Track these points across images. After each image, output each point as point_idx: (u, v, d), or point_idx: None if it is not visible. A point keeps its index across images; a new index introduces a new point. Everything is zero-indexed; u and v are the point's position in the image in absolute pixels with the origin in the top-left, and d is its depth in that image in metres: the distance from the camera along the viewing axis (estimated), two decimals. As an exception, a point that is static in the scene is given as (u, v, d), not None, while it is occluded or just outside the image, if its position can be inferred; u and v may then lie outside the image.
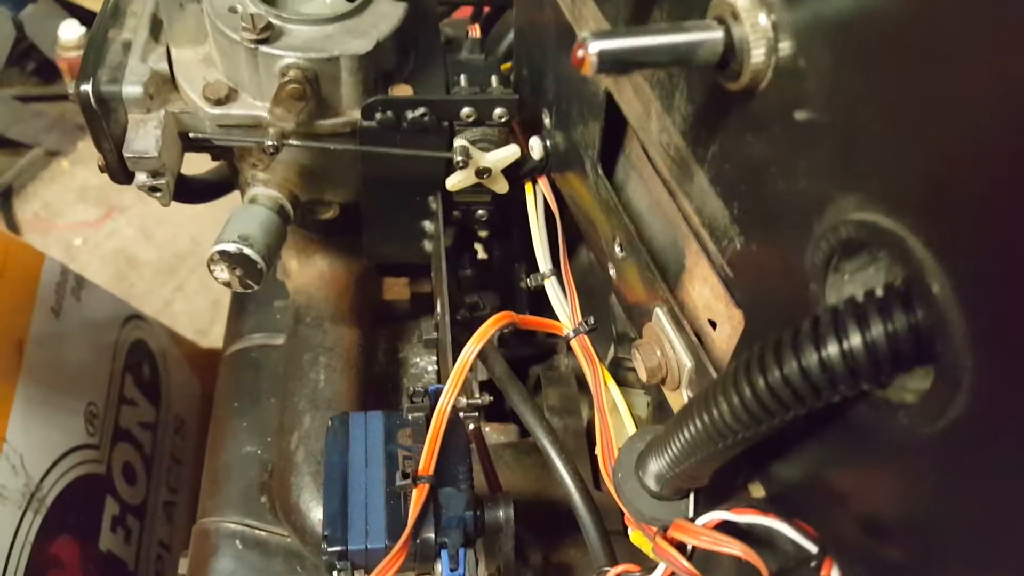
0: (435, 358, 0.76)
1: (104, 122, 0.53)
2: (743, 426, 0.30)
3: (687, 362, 0.44)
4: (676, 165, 0.39)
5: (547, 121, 0.58)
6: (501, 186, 0.60)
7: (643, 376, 0.47)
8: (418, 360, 0.76)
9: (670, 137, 0.39)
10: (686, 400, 0.46)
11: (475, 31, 0.60)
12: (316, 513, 0.59)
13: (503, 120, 0.57)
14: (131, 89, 0.52)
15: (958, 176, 0.23)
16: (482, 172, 0.58)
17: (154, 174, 0.54)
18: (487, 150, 0.58)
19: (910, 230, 0.25)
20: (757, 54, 0.29)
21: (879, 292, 0.26)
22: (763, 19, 0.29)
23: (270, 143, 0.51)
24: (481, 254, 0.80)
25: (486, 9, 0.75)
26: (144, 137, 0.52)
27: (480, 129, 0.58)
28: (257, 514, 0.65)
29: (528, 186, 0.61)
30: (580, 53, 0.28)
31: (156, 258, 2.26)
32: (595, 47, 0.27)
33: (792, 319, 0.29)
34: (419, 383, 0.75)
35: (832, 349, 0.26)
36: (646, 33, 0.28)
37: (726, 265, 0.37)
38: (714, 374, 0.42)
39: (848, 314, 0.26)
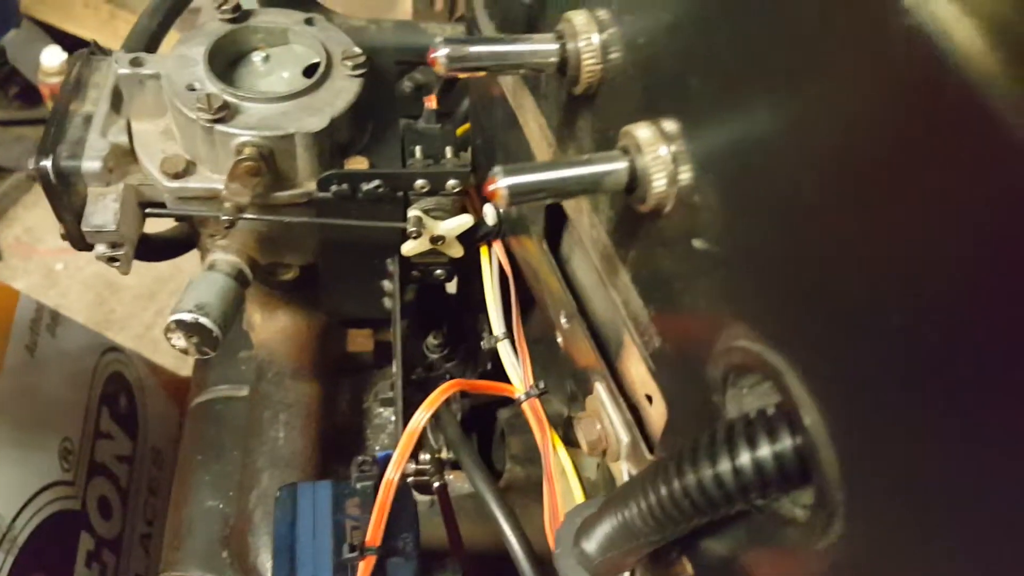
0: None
1: (64, 195, 0.54)
2: (651, 530, 0.32)
3: (624, 438, 0.46)
4: (604, 259, 0.41)
5: (499, 190, 0.60)
6: (455, 251, 0.62)
7: (584, 449, 0.49)
8: (382, 411, 0.77)
9: (599, 234, 0.41)
10: (625, 472, 0.48)
11: (431, 102, 0.62)
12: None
13: (456, 190, 0.59)
14: (90, 164, 0.54)
15: (831, 322, 0.25)
16: (436, 239, 0.60)
17: (113, 245, 0.55)
18: (441, 218, 0.60)
19: (788, 365, 0.27)
20: (658, 183, 0.30)
21: (770, 411, 0.28)
22: (664, 151, 0.30)
23: (225, 217, 0.52)
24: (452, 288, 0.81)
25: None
26: (103, 211, 0.54)
27: (434, 199, 0.59)
28: (218, 569, 0.66)
29: (484, 250, 0.63)
30: (491, 187, 0.30)
31: (136, 283, 2.27)
32: (504, 183, 0.29)
33: (705, 420, 0.31)
34: (382, 433, 0.76)
35: (724, 466, 0.28)
36: (554, 167, 0.30)
37: (649, 359, 0.39)
38: (646, 452, 0.44)
39: (739, 432, 0.28)
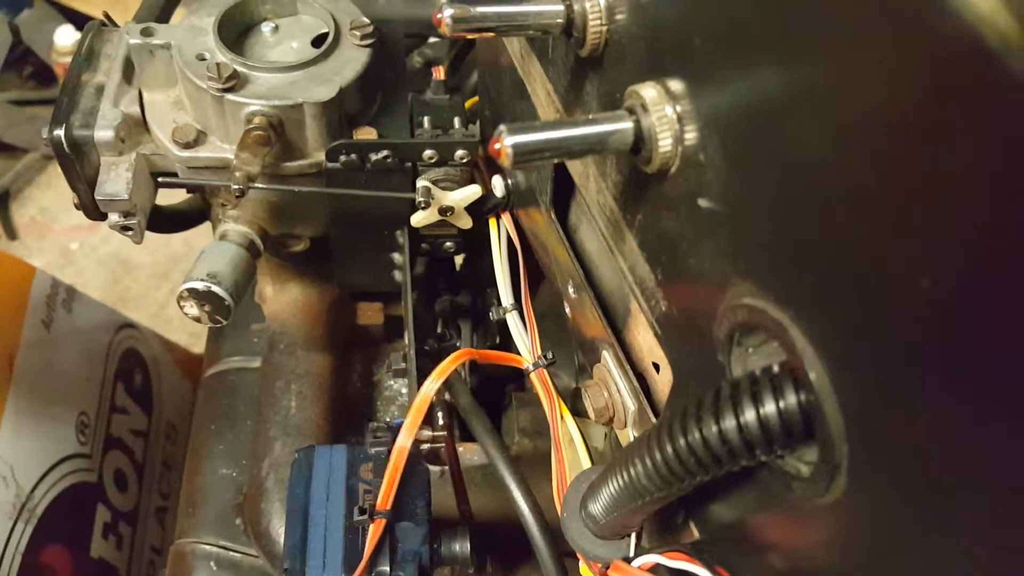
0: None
1: (77, 165, 0.55)
2: (656, 488, 0.32)
3: (631, 405, 0.46)
4: (611, 225, 0.41)
5: (508, 161, 0.60)
6: (464, 222, 0.62)
7: (592, 416, 0.49)
8: (392, 383, 0.78)
9: (605, 199, 0.41)
10: (632, 438, 0.48)
11: (439, 73, 0.62)
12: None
13: (464, 160, 0.59)
14: (103, 133, 0.54)
15: (834, 276, 0.25)
16: (445, 210, 0.60)
17: (126, 214, 0.56)
18: (450, 189, 0.60)
19: (793, 321, 0.27)
20: (664, 143, 0.30)
21: (775, 369, 0.28)
22: (669, 110, 0.30)
23: (236, 187, 0.53)
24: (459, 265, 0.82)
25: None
26: (115, 180, 0.54)
27: (443, 169, 0.59)
28: (232, 536, 0.67)
29: (492, 221, 0.63)
30: (496, 146, 0.30)
31: (151, 262, 2.29)
32: (509, 141, 0.29)
33: (711, 381, 0.31)
34: (393, 405, 0.77)
35: (728, 422, 0.28)
36: (559, 126, 0.30)
37: (655, 323, 0.39)
38: (653, 418, 0.44)
39: (744, 390, 0.28)
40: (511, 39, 0.50)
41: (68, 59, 1.92)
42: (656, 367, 0.46)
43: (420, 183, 0.59)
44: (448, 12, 0.32)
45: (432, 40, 0.89)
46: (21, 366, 1.12)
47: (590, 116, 0.31)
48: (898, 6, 0.20)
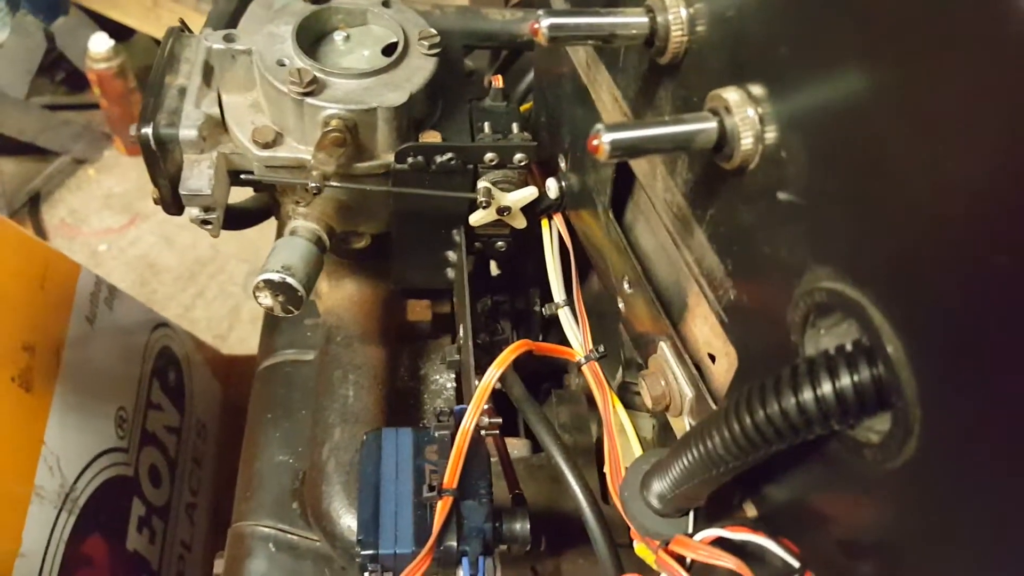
0: (454, 376, 0.81)
1: (161, 161, 0.59)
2: (733, 457, 0.35)
3: (688, 392, 0.49)
4: (679, 220, 0.44)
5: (563, 164, 0.63)
6: (519, 222, 0.65)
7: (648, 404, 0.52)
8: (438, 377, 0.81)
9: (673, 196, 0.44)
10: (687, 426, 0.51)
11: (498, 81, 0.66)
12: (345, 520, 0.64)
13: (522, 164, 0.63)
14: (187, 132, 0.58)
15: (910, 258, 0.28)
16: (503, 210, 0.63)
17: (206, 209, 0.59)
18: (507, 190, 0.63)
19: (870, 300, 0.30)
20: (746, 142, 0.34)
21: (848, 347, 0.31)
22: (751, 112, 0.34)
23: (313, 184, 0.56)
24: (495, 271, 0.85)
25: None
26: (198, 176, 0.58)
27: (501, 171, 0.63)
28: (289, 519, 0.70)
29: (544, 222, 0.66)
30: (595, 142, 0.33)
31: (177, 264, 2.33)
32: (608, 137, 0.33)
33: (778, 364, 0.34)
34: (439, 399, 0.80)
35: (807, 395, 0.31)
36: (651, 125, 0.33)
37: (722, 312, 0.42)
38: (712, 404, 0.47)
39: (821, 365, 0.31)
40: (577, 49, 0.53)
41: (101, 65, 1.97)
42: (712, 358, 0.49)
43: (481, 184, 0.62)
44: (546, 23, 0.36)
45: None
46: (67, 360, 1.16)
47: (679, 116, 0.34)
48: (974, 9, 0.23)
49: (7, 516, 0.99)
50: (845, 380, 0.30)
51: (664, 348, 0.51)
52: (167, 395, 1.44)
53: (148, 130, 0.57)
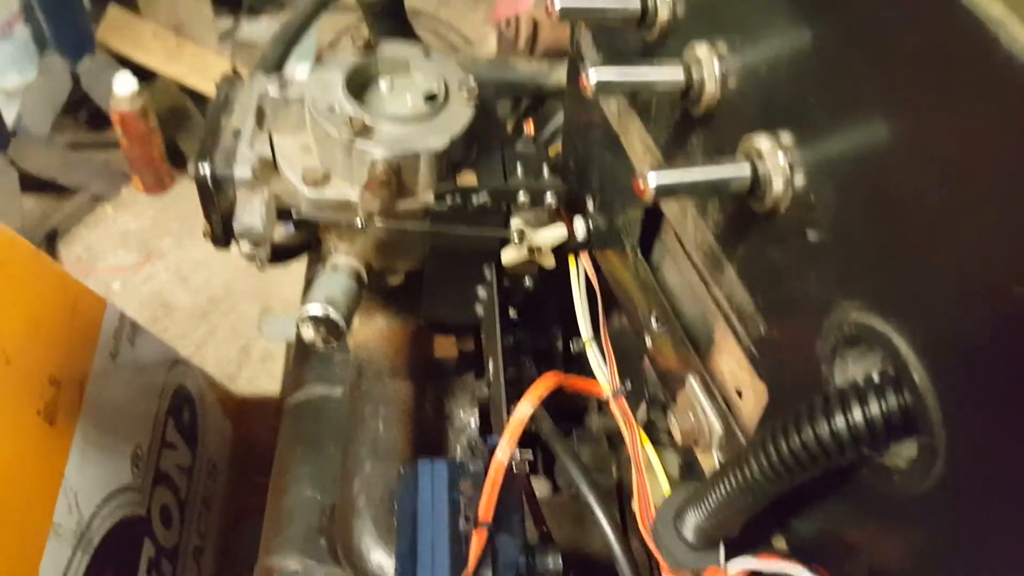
0: (478, 414, 0.83)
1: (215, 199, 0.62)
2: (768, 483, 0.37)
3: (717, 427, 0.52)
4: (708, 259, 0.47)
5: (590, 205, 0.67)
6: (549, 261, 0.68)
7: (678, 438, 0.54)
8: (462, 414, 0.83)
9: (704, 236, 0.47)
10: (716, 461, 0.53)
11: (529, 127, 0.70)
12: (375, 555, 0.66)
13: (553, 204, 0.66)
14: (242, 172, 0.62)
15: (933, 291, 0.31)
16: (534, 249, 0.67)
17: (255, 244, 0.63)
18: (537, 230, 0.66)
19: (896, 332, 0.32)
20: (777, 186, 0.37)
21: (875, 376, 0.34)
22: (781, 159, 0.37)
23: (360, 222, 0.60)
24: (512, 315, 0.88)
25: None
26: (251, 213, 0.61)
27: (533, 212, 0.66)
28: (317, 555, 0.71)
29: (571, 260, 0.70)
30: (641, 184, 0.36)
31: (190, 302, 2.36)
32: (653, 180, 0.36)
33: (809, 394, 0.36)
34: (463, 435, 0.82)
35: (839, 422, 0.34)
36: (692, 170, 0.37)
37: (752, 346, 0.45)
38: (742, 438, 0.50)
39: (851, 394, 0.34)
40: (609, 100, 0.57)
41: (125, 106, 2.03)
42: (739, 393, 0.51)
43: (514, 224, 0.65)
44: (595, 78, 0.39)
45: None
46: (90, 395, 1.17)
47: (715, 161, 0.37)
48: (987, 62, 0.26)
49: (26, 552, 0.99)
50: (874, 408, 0.33)
51: (693, 383, 0.54)
52: (181, 434, 1.45)
53: (206, 169, 0.61)
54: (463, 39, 3.01)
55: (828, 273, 0.36)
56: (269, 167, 0.64)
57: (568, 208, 0.70)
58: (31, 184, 2.41)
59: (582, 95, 0.63)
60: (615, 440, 0.83)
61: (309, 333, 0.62)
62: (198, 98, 2.76)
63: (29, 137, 2.37)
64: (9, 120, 2.33)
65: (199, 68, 2.81)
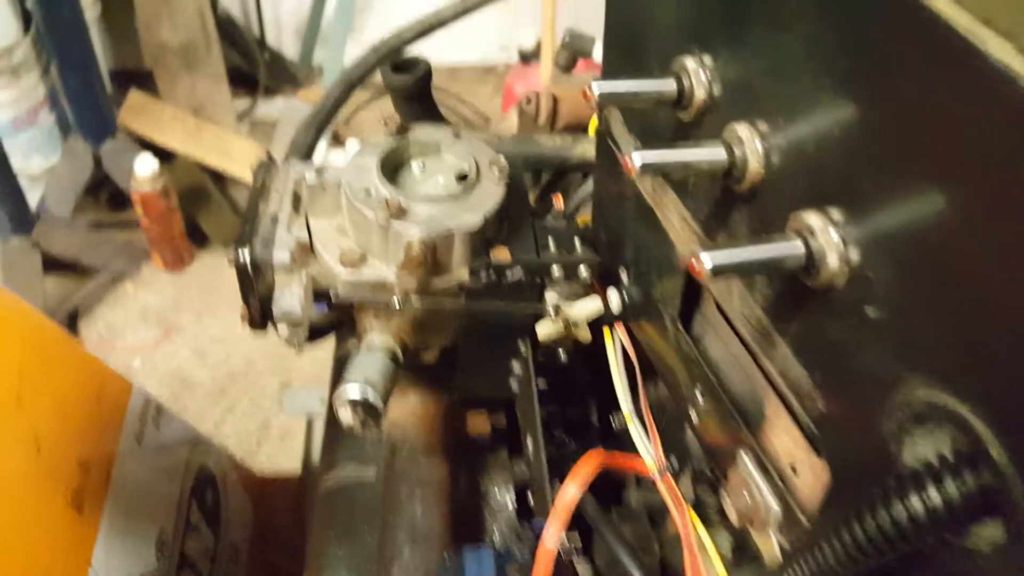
0: (513, 490, 0.81)
1: (254, 282, 0.63)
2: (843, 568, 0.36)
3: (774, 506, 0.50)
4: (759, 333, 0.47)
5: (624, 277, 0.67)
6: (585, 335, 0.68)
7: (733, 519, 0.53)
8: (497, 492, 0.81)
9: (752, 311, 0.47)
10: (775, 542, 0.51)
11: (558, 201, 0.71)
12: (415, 642, 0.63)
13: (587, 277, 0.66)
14: (280, 256, 0.62)
15: (1011, 370, 0.30)
16: (569, 323, 0.66)
17: (294, 326, 0.63)
18: (573, 303, 0.66)
19: (970, 408, 0.32)
20: (832, 262, 0.37)
21: (949, 456, 0.33)
22: (834, 235, 0.37)
23: (397, 301, 0.60)
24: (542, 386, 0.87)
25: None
26: (290, 297, 0.62)
27: (567, 285, 0.66)
28: (353, 641, 0.69)
29: (607, 333, 0.69)
30: (697, 265, 0.36)
31: (209, 379, 2.36)
32: (708, 260, 0.36)
33: (874, 472, 0.35)
34: (500, 515, 0.80)
35: (915, 504, 0.32)
36: (747, 249, 0.37)
37: (811, 423, 0.44)
38: (801, 518, 0.48)
39: (926, 475, 0.33)
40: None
41: (146, 186, 2.09)
42: (794, 469, 0.50)
43: (550, 298, 0.65)
44: (639, 161, 0.40)
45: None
46: (116, 479, 1.16)
47: (768, 239, 0.37)
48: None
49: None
50: (951, 489, 0.32)
51: (745, 460, 0.52)
52: (204, 516, 1.42)
53: (245, 255, 0.61)
54: (474, 112, 3.09)
55: (891, 349, 0.35)
56: (306, 250, 0.64)
57: (601, 280, 0.70)
58: (53, 264, 2.45)
59: (613, 170, 0.64)
60: (656, 517, 0.80)
61: (347, 417, 0.61)
62: (216, 176, 2.83)
63: (52, 218, 2.42)
64: (33, 203, 2.39)
65: (217, 147, 2.89)
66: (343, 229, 0.66)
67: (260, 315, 0.64)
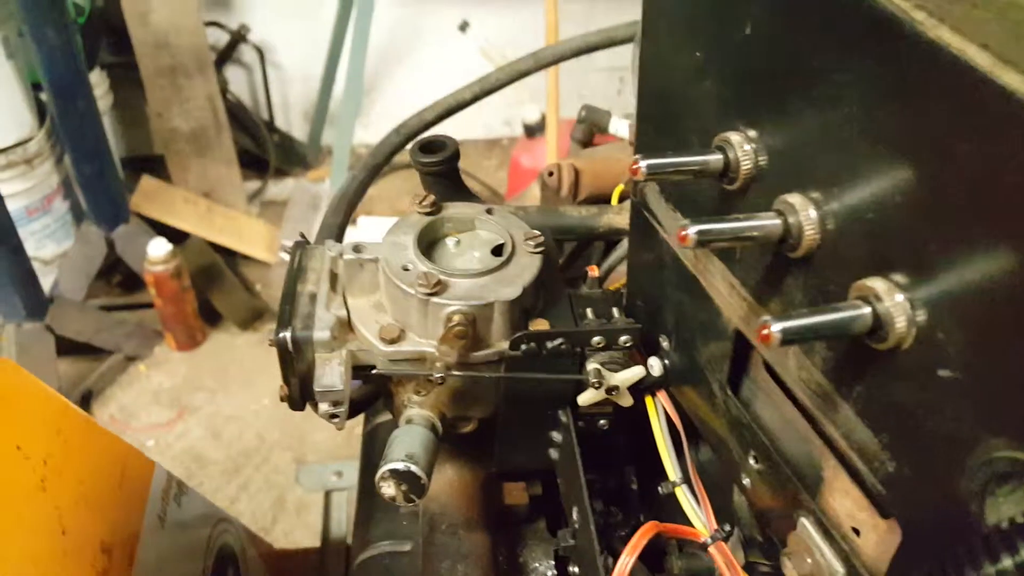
0: (553, 562, 0.79)
1: (295, 362, 0.63)
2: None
3: (839, 569, 0.49)
4: (818, 397, 0.47)
5: (665, 344, 0.67)
6: (626, 400, 0.68)
7: (794, 583, 0.52)
8: (538, 565, 0.79)
9: (810, 375, 0.47)
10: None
11: (593, 271, 0.72)
12: None
13: (628, 345, 0.66)
14: (321, 334, 0.63)
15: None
16: (611, 389, 0.66)
17: (335, 403, 0.62)
18: (614, 371, 0.66)
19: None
20: (900, 325, 0.37)
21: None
22: (899, 297, 0.37)
23: (438, 376, 0.60)
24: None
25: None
26: (331, 374, 0.62)
27: (607, 353, 0.66)
28: None
29: (649, 401, 0.69)
30: (765, 332, 0.36)
31: (223, 457, 2.33)
32: (778, 328, 0.36)
33: (951, 532, 0.35)
34: (540, 588, 0.78)
35: (1007, 563, 0.32)
36: (816, 315, 0.37)
37: (878, 484, 0.43)
38: (868, 580, 0.47)
39: (1016, 535, 0.32)
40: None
41: (159, 267, 2.12)
42: (856, 531, 0.49)
43: (591, 366, 0.65)
44: (694, 231, 0.40)
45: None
46: (140, 560, 1.13)
47: (836, 305, 0.38)
48: None
49: None
50: (1046, 550, 0.31)
51: (806, 524, 0.51)
52: (225, 596, 1.39)
53: (287, 334, 0.62)
54: (481, 185, 3.14)
55: (967, 410, 0.35)
56: (346, 327, 0.65)
57: (640, 347, 0.71)
58: (67, 348, 2.46)
59: (650, 240, 0.65)
60: (700, 583, 0.78)
61: (390, 490, 0.61)
62: (228, 256, 2.86)
63: (65, 302, 2.44)
64: (46, 287, 2.41)
65: (229, 228, 2.93)
66: (380, 306, 0.66)
67: (300, 394, 0.64)
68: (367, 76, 3.00)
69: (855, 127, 0.38)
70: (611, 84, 3.29)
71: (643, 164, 0.44)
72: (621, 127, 1.02)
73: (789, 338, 0.36)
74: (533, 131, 2.57)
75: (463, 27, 3.10)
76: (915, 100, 0.35)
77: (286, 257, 2.87)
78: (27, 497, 0.93)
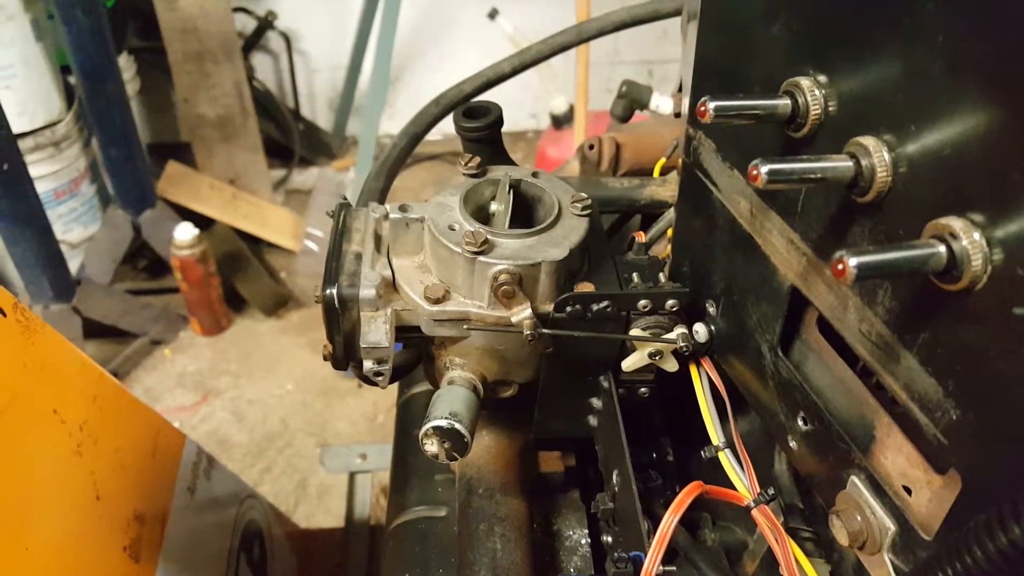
0: (586, 531, 0.79)
1: (340, 319, 0.63)
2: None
3: (891, 526, 0.48)
4: (879, 349, 0.46)
5: (711, 310, 0.67)
6: (671, 365, 0.67)
7: (844, 541, 0.51)
8: (571, 533, 0.79)
9: (871, 326, 0.46)
10: (888, 562, 0.49)
11: (641, 237, 0.71)
12: None
13: (674, 309, 0.66)
14: (367, 292, 0.63)
15: None
16: (655, 354, 0.66)
17: (379, 361, 0.63)
18: (659, 335, 0.66)
19: None
20: (976, 263, 0.36)
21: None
22: (977, 236, 0.37)
23: (528, 333, 0.60)
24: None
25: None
26: (376, 331, 0.62)
27: (653, 317, 0.66)
28: None
29: (693, 368, 0.68)
30: (840, 266, 0.36)
31: (247, 440, 2.35)
32: (854, 261, 0.36)
33: (1015, 479, 0.34)
34: (574, 555, 0.78)
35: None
36: (891, 251, 0.36)
37: (939, 434, 0.43)
38: (922, 535, 0.46)
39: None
40: (738, 200, 0.58)
41: (185, 252, 2.14)
42: (907, 490, 0.49)
43: (634, 330, 0.65)
44: (766, 168, 0.40)
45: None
46: (170, 531, 1.15)
47: (912, 243, 0.37)
48: None
49: None
50: None
51: (857, 482, 0.51)
52: (252, 570, 1.40)
53: (333, 290, 0.62)
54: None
55: (1045, 347, 0.35)
56: (391, 287, 0.65)
57: (685, 313, 0.70)
58: (94, 330, 2.49)
59: (701, 202, 0.64)
60: (732, 556, 0.78)
61: (433, 447, 0.61)
62: (253, 243, 2.88)
63: (92, 285, 2.47)
64: (73, 270, 2.44)
65: (254, 216, 2.95)
66: (425, 267, 0.66)
67: (343, 352, 0.64)
68: (393, 66, 3.01)
69: (940, 61, 0.37)
70: (639, 77, 3.27)
71: (711, 105, 0.44)
72: (663, 103, 1.02)
73: (864, 273, 0.36)
74: (560, 122, 2.56)
75: (492, 15, 3.09)
76: (1010, 27, 0.34)
77: (311, 246, 2.89)
78: (63, 461, 0.95)
